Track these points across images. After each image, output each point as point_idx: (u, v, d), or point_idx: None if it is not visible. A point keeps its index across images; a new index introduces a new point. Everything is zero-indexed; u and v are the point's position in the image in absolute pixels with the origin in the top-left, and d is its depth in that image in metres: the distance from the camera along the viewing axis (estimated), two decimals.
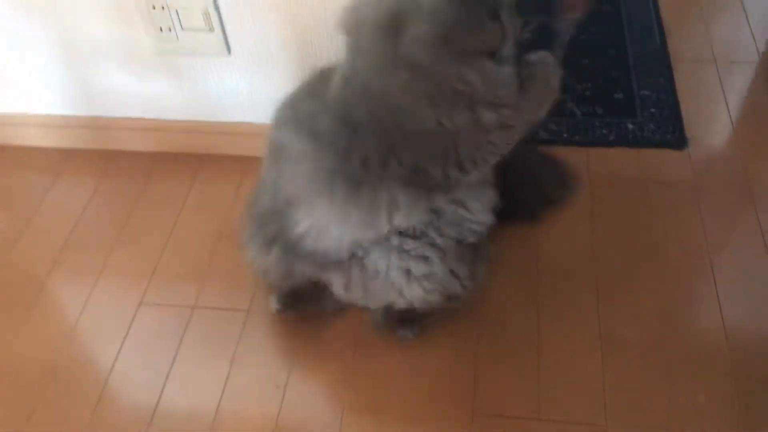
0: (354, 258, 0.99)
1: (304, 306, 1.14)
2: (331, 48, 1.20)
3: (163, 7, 1.18)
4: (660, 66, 1.52)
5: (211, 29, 1.20)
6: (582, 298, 1.15)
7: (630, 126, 1.40)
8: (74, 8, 1.21)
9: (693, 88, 1.48)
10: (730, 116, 1.42)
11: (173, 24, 1.20)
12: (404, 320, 1.10)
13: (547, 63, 0.96)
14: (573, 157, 1.35)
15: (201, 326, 1.15)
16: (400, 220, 0.94)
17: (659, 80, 1.49)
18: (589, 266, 1.19)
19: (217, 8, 1.17)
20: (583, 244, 1.22)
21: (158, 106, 1.35)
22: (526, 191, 1.20)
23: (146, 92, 1.33)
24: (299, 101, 0.97)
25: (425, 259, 0.98)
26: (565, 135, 1.39)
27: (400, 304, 1.03)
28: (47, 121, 1.41)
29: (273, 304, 1.14)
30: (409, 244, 0.97)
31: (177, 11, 1.18)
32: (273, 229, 1.02)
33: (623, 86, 1.48)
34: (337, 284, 1.03)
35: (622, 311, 1.13)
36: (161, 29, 1.21)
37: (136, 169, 1.41)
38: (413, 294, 1.01)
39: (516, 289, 1.17)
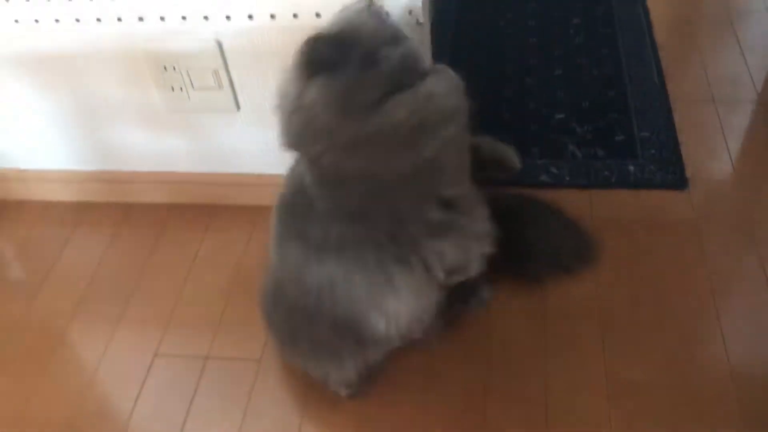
0: None
1: (369, 377, 1.13)
2: None
3: (174, 68, 1.23)
4: (659, 107, 1.55)
5: (221, 87, 1.25)
6: (588, 340, 1.17)
7: (631, 168, 1.43)
8: (90, 70, 1.27)
9: (692, 129, 1.50)
10: (730, 156, 1.44)
11: (184, 83, 1.25)
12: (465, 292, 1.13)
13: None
14: (576, 200, 1.37)
15: (214, 376, 1.18)
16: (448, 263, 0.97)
17: (659, 121, 1.52)
18: (595, 308, 1.21)
19: (226, 68, 1.22)
20: (588, 286, 1.24)
21: (171, 159, 1.40)
22: (540, 256, 1.22)
23: (159, 147, 1.38)
24: (311, 242, 0.98)
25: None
26: (567, 178, 1.42)
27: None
28: (64, 176, 1.46)
29: (342, 392, 1.12)
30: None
31: (188, 71, 1.23)
32: (349, 343, 1.04)
33: (623, 128, 1.51)
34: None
35: (628, 353, 1.14)
36: (173, 88, 1.26)
37: (150, 220, 1.45)
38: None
39: (522, 332, 1.19)
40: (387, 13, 0.93)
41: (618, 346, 1.15)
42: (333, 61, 0.85)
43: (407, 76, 0.89)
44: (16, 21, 1.20)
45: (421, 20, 1.11)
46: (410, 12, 1.10)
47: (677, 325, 1.17)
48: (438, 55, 1.24)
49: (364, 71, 0.86)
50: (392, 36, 0.89)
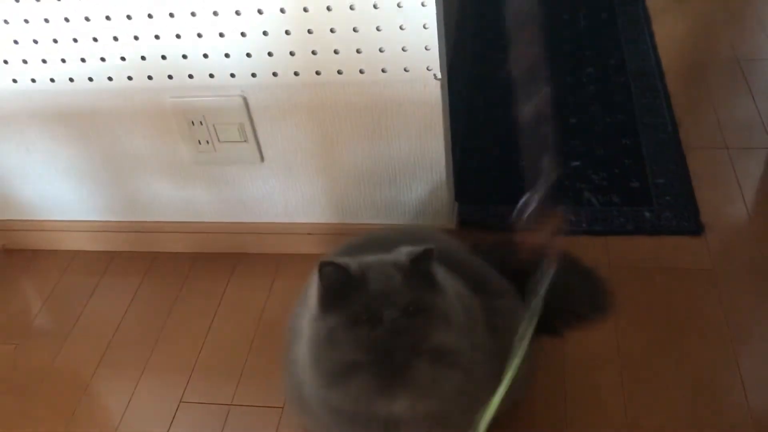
0: None
1: None
2: (356, 152, 1.28)
3: (201, 122, 1.28)
4: (673, 153, 1.58)
5: (246, 140, 1.29)
6: (608, 387, 1.17)
7: (647, 214, 1.45)
8: (120, 125, 1.32)
9: (707, 175, 1.52)
10: (744, 201, 1.46)
11: (210, 137, 1.29)
12: None
13: None
14: (593, 246, 1.39)
15: (238, 424, 1.20)
16: None
17: (673, 168, 1.54)
18: (614, 355, 1.22)
19: (251, 122, 1.27)
20: (606, 333, 1.25)
21: (196, 210, 1.44)
22: (555, 306, 1.13)
23: (184, 197, 1.42)
24: None
25: None
26: (584, 225, 1.44)
27: None
28: (92, 227, 1.51)
29: None
30: None
31: (214, 125, 1.28)
32: None
33: (638, 175, 1.54)
34: None
35: (648, 400, 1.15)
36: (199, 142, 1.30)
37: (175, 269, 1.49)
38: None
39: (541, 380, 1.19)
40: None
41: (638, 393, 1.16)
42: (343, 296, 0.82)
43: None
44: (52, 80, 1.26)
45: (439, 76, 1.15)
46: (428, 68, 1.15)
47: (697, 371, 1.18)
48: (453, 108, 1.28)
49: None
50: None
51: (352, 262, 0.84)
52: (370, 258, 0.87)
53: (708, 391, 1.15)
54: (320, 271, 0.81)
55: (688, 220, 1.42)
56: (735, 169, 1.53)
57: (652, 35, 1.95)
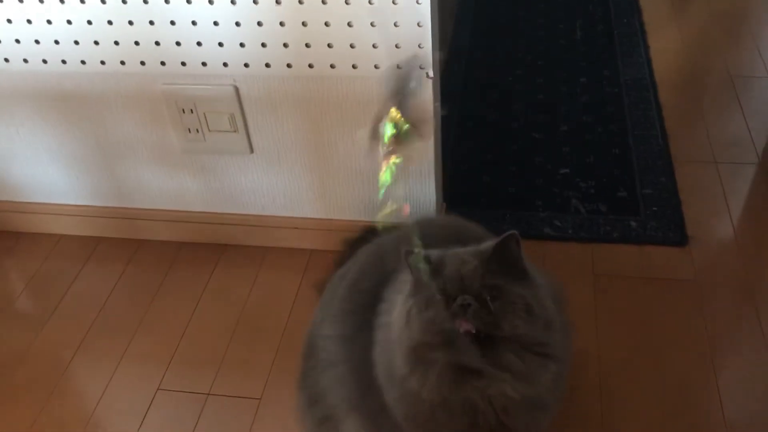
0: None
1: None
2: (347, 148, 1.28)
3: (191, 111, 1.27)
4: (662, 166, 1.58)
5: (236, 131, 1.29)
6: (586, 392, 1.17)
7: (633, 223, 1.45)
8: (111, 110, 1.31)
9: (694, 188, 1.53)
10: (730, 216, 1.47)
11: (200, 126, 1.29)
12: None
13: None
14: (578, 253, 1.40)
15: (215, 413, 1.19)
16: None
17: (661, 179, 1.55)
18: (593, 360, 1.22)
19: (242, 112, 1.27)
20: (585, 341, 1.25)
21: (183, 198, 1.43)
22: None
23: (172, 186, 1.42)
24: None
25: None
26: (570, 231, 1.45)
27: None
28: (78, 211, 1.50)
29: None
30: None
31: (204, 114, 1.28)
32: None
33: (626, 185, 1.54)
34: None
35: (625, 409, 1.15)
36: (189, 130, 1.30)
37: (160, 257, 1.48)
38: None
39: None
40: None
41: (615, 400, 1.16)
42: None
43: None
44: (44, 61, 1.25)
45: (431, 74, 1.16)
46: (421, 66, 1.15)
47: (675, 382, 1.18)
48: (448, 111, 1.28)
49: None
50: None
51: (434, 252, 0.85)
52: (456, 248, 0.87)
53: (685, 402, 1.16)
54: (406, 259, 0.83)
55: (673, 231, 1.43)
56: (723, 183, 1.54)
57: (647, 48, 1.96)
